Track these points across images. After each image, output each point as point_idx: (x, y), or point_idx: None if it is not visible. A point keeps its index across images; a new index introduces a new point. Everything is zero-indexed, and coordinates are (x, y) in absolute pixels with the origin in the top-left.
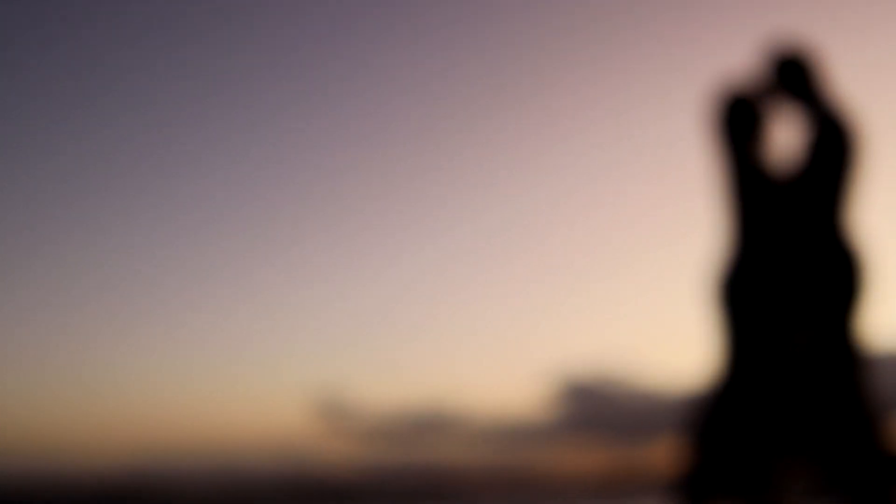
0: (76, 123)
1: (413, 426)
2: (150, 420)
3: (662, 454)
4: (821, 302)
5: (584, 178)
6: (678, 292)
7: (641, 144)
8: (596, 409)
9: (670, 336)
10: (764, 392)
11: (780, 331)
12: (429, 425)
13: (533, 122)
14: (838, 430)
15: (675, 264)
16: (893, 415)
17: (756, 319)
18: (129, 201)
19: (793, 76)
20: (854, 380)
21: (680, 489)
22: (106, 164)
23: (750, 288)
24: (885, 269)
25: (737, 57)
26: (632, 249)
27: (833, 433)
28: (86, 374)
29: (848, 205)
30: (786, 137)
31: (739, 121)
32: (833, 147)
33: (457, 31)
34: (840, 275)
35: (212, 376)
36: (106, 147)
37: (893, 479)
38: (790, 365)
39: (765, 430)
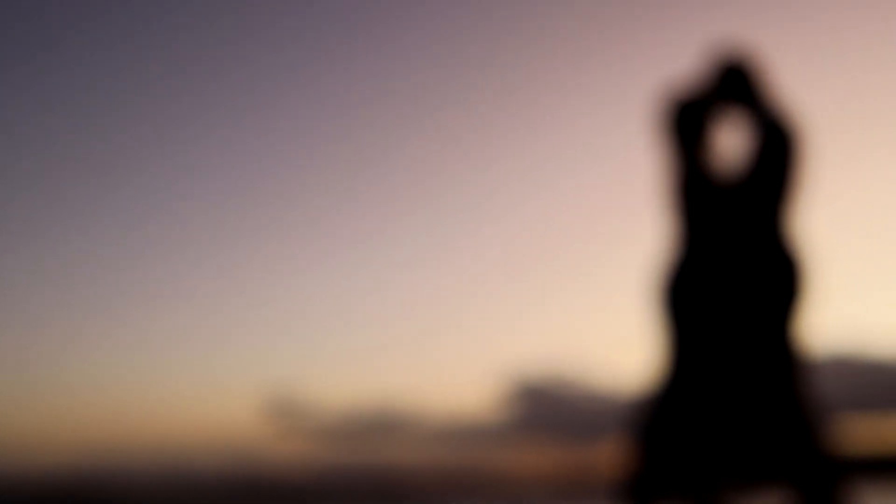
0: (49, 121)
1: (365, 426)
2: (99, 419)
3: (612, 454)
4: (761, 305)
5: (535, 183)
6: (629, 294)
7: (591, 150)
8: (547, 409)
9: (621, 337)
10: (706, 394)
11: (722, 333)
12: (380, 425)
13: (487, 129)
14: (778, 433)
15: (626, 266)
16: (834, 417)
17: (698, 322)
18: (79, 202)
19: (736, 82)
20: (794, 382)
21: (625, 490)
22: (63, 167)
23: (692, 291)
24: (828, 273)
25: (685, 63)
26: (582, 251)
27: (773, 435)
28: (32, 373)
29: (791, 209)
30: (731, 142)
31: (685, 125)
32: (776, 152)
33: (417, 38)
34: (780, 279)
35: (163, 374)
36: (66, 153)
37: (833, 480)
38: (732, 367)
39: (707, 432)
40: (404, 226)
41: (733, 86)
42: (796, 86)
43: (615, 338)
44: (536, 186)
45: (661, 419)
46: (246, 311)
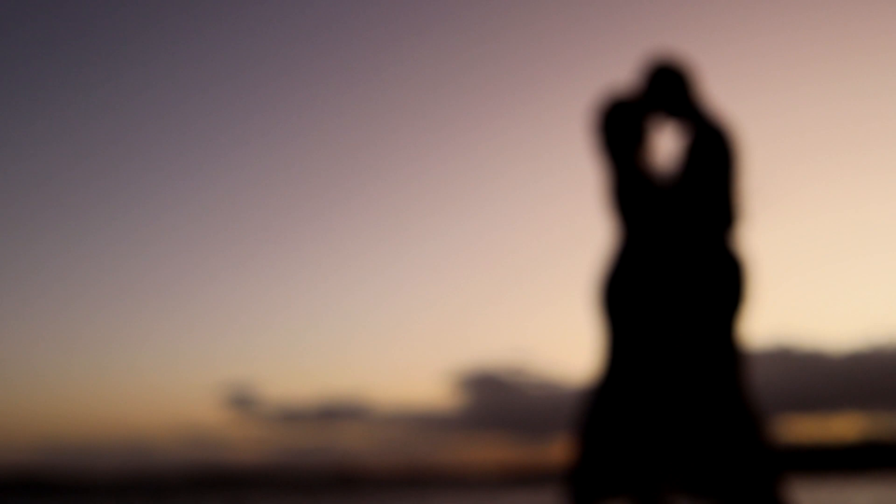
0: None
1: (321, 417)
2: (63, 411)
3: (562, 447)
4: (703, 304)
5: (490, 189)
6: (584, 290)
7: (541, 158)
8: (502, 401)
9: (577, 332)
10: (644, 393)
11: (660, 332)
12: (337, 416)
13: (448, 145)
14: (721, 430)
15: (581, 263)
16: (773, 412)
17: (637, 321)
18: (42, 198)
19: (668, 87)
20: (736, 380)
21: (568, 488)
22: (41, 170)
23: (631, 290)
24: (764, 272)
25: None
26: (538, 251)
27: (715, 433)
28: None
29: (727, 211)
30: (667, 147)
31: (620, 127)
32: (711, 155)
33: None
34: (721, 278)
35: (126, 369)
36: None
37: (775, 477)
38: (670, 366)
39: (646, 431)
40: (362, 228)
41: (665, 91)
42: (731, 94)
43: (571, 333)
44: (488, 192)
45: (598, 417)
46: (207, 310)
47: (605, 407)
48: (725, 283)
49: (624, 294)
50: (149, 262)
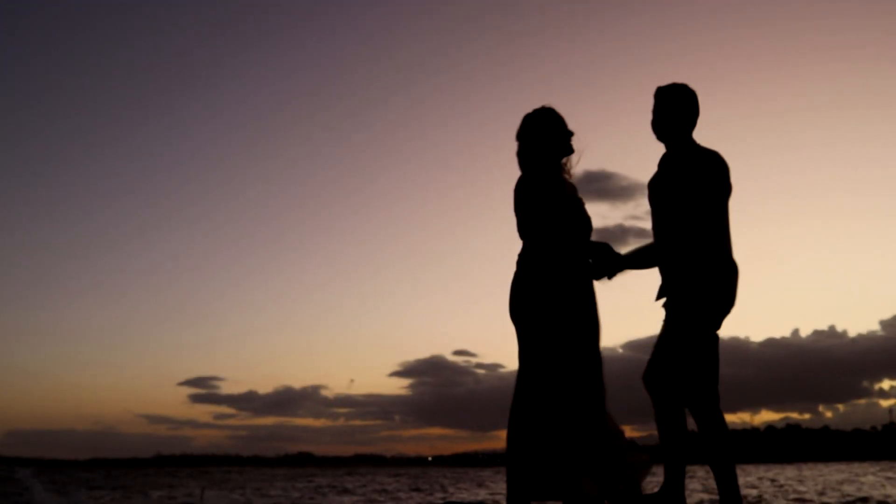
0: None
1: (277, 404)
2: (37, 402)
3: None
4: (693, 305)
5: (447, 208)
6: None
7: (488, 173)
8: (449, 388)
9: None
10: (560, 394)
11: (569, 335)
12: (292, 403)
13: (406, 149)
14: (699, 420)
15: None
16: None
17: (545, 326)
18: (18, 197)
19: (667, 113)
20: (713, 376)
21: (507, 484)
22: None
23: (540, 299)
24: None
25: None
26: (485, 252)
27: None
28: None
29: (710, 223)
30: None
31: (546, 136)
32: (689, 176)
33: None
34: (715, 282)
35: (97, 361)
36: None
37: (731, 461)
38: (584, 366)
39: (567, 436)
40: (321, 239)
41: (663, 115)
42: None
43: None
44: (439, 205)
45: (522, 420)
46: (173, 306)
47: (526, 410)
48: (718, 286)
49: (534, 302)
50: (120, 262)
